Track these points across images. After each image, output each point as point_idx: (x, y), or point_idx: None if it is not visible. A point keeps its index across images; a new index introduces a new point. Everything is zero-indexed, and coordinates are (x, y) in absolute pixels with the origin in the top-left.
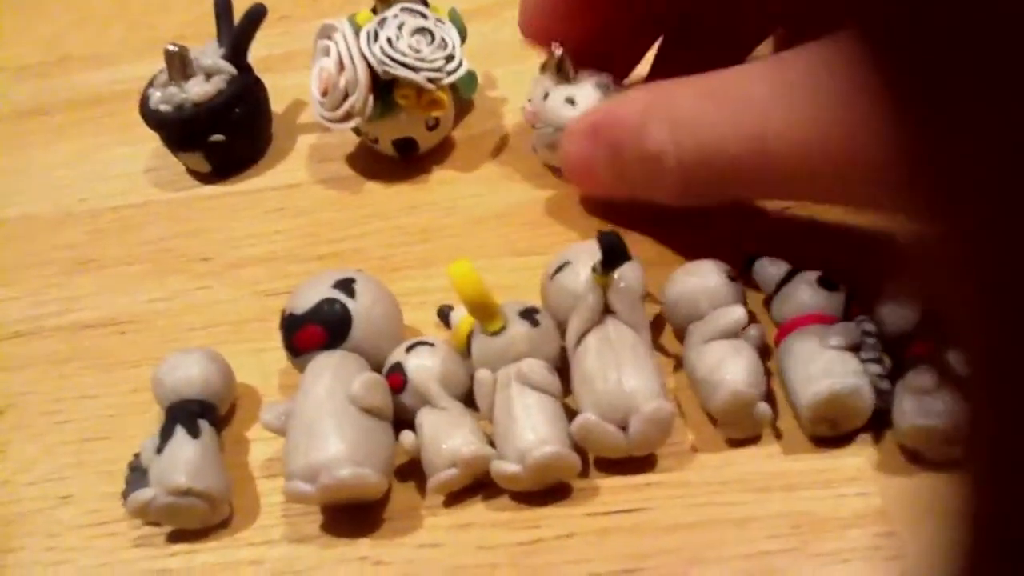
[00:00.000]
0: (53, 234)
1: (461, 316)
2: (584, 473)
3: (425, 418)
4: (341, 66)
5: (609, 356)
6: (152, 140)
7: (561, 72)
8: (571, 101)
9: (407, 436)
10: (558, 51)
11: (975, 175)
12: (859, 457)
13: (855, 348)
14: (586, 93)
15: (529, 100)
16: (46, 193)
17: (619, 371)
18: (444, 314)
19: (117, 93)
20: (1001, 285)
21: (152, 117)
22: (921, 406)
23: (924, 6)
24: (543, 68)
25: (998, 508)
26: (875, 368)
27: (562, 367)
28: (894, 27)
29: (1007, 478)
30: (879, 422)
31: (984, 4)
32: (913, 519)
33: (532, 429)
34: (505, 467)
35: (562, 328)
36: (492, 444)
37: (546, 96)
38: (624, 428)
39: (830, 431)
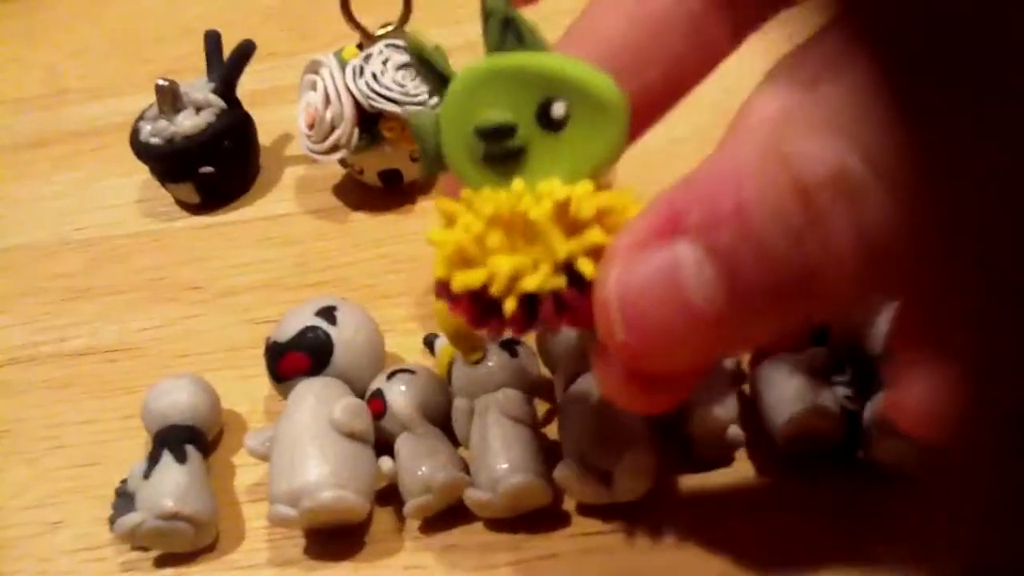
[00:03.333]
0: (48, 263)
1: (443, 344)
2: (562, 494)
3: (403, 444)
4: (328, 100)
5: (593, 402)
6: (144, 171)
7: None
8: None
9: (385, 461)
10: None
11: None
12: (830, 477)
13: (827, 371)
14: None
15: None
16: (42, 223)
17: (602, 418)
18: (430, 342)
19: (113, 125)
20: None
21: (143, 149)
22: (892, 426)
23: None
24: None
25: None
26: (844, 391)
27: (542, 393)
28: None
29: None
30: (850, 442)
31: None
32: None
33: (505, 458)
34: (477, 495)
35: (552, 368)
36: (469, 471)
37: None
38: (607, 476)
39: (802, 452)
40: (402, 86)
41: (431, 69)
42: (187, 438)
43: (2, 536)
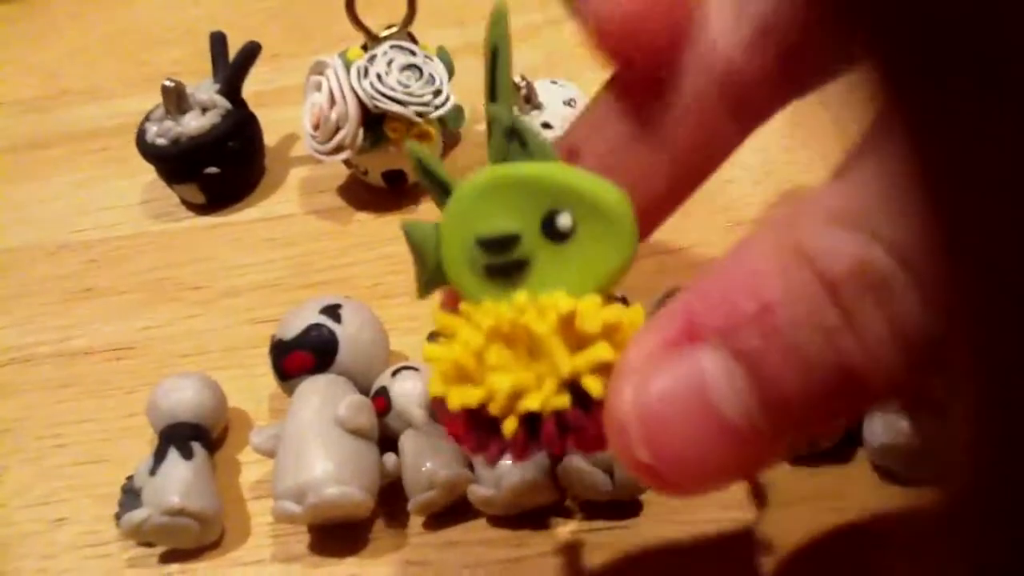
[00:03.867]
0: (50, 264)
1: None
2: (565, 491)
3: (407, 441)
4: (332, 101)
5: None
6: (147, 172)
7: (530, 102)
8: (547, 125)
9: (389, 458)
10: (523, 83)
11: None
12: (833, 475)
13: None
14: (559, 114)
15: None
16: (43, 224)
17: None
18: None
19: (113, 127)
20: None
21: (148, 150)
22: (890, 425)
23: None
24: None
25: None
26: None
27: None
28: None
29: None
30: (851, 441)
31: None
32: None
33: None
34: (481, 491)
35: None
36: (473, 468)
37: None
38: (609, 472)
39: (804, 449)
40: (406, 87)
41: (433, 179)
42: (193, 435)
43: (5, 534)
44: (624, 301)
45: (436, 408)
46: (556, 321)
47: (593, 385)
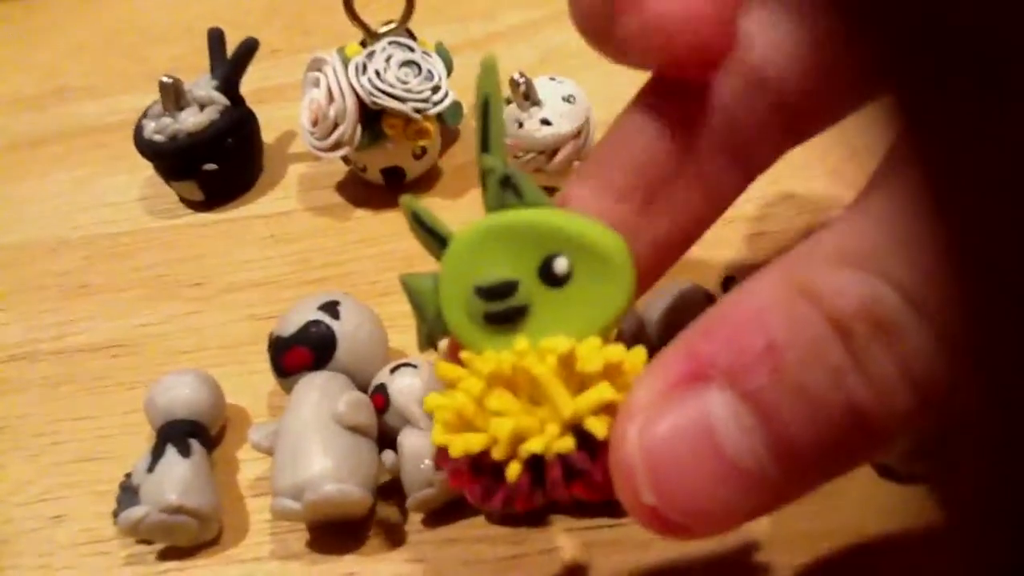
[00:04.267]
0: (48, 261)
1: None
2: None
3: (406, 438)
4: (331, 97)
5: None
6: (146, 169)
7: (529, 99)
8: (546, 122)
9: (388, 455)
10: (522, 79)
11: None
12: None
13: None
14: (557, 110)
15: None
16: (41, 221)
17: None
18: None
19: (112, 124)
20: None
21: (146, 147)
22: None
23: None
24: (508, 100)
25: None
26: None
27: None
28: None
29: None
30: None
31: None
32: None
33: None
34: None
35: None
36: None
37: (520, 125)
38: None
39: None
40: (405, 83)
41: (429, 231)
42: (191, 432)
43: (3, 531)
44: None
45: (439, 459)
46: (556, 363)
47: (597, 426)
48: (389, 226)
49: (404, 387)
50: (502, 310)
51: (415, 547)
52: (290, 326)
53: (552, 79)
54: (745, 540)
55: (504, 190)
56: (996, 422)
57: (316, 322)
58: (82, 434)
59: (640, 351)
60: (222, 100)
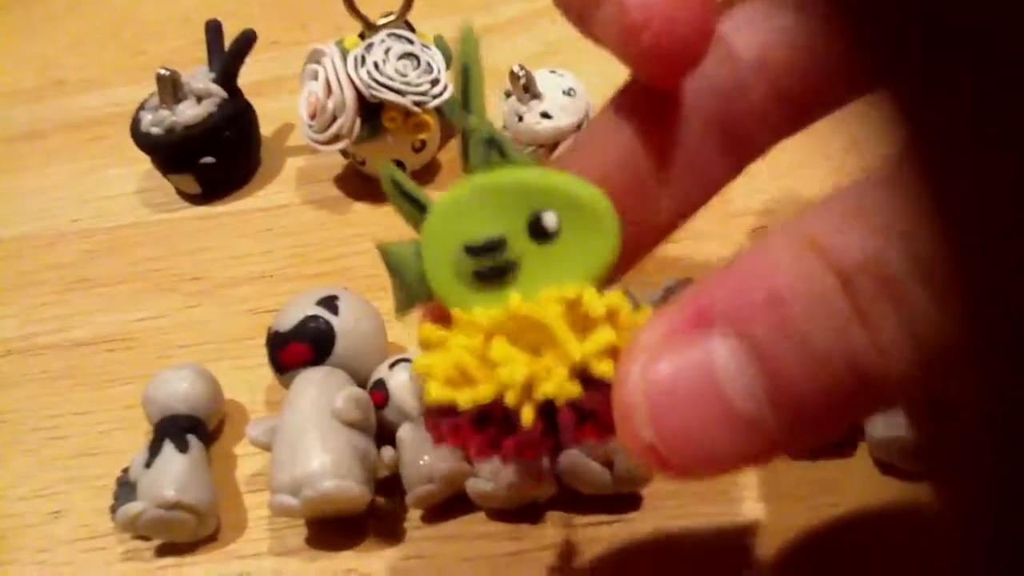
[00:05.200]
0: (46, 254)
1: None
2: (565, 485)
3: (405, 434)
4: (329, 90)
5: None
6: (144, 162)
7: (529, 92)
8: (546, 115)
9: (387, 451)
10: (522, 72)
11: None
12: (833, 468)
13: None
14: (557, 103)
15: (504, 128)
16: (40, 214)
17: None
18: None
19: (110, 116)
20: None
21: (143, 139)
22: (891, 420)
23: None
24: (508, 93)
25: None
26: None
27: None
28: None
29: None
30: (852, 435)
31: None
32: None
33: None
34: (479, 484)
35: None
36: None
37: (520, 119)
38: (610, 466)
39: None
40: (404, 76)
41: (407, 196)
42: (188, 427)
43: (2, 526)
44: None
45: (431, 420)
46: (563, 308)
47: (605, 367)
48: (388, 220)
49: (403, 382)
50: (492, 266)
51: (414, 543)
52: (288, 321)
53: (552, 72)
54: (745, 536)
55: (488, 150)
56: (996, 421)
57: (315, 317)
58: (80, 429)
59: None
60: (220, 92)
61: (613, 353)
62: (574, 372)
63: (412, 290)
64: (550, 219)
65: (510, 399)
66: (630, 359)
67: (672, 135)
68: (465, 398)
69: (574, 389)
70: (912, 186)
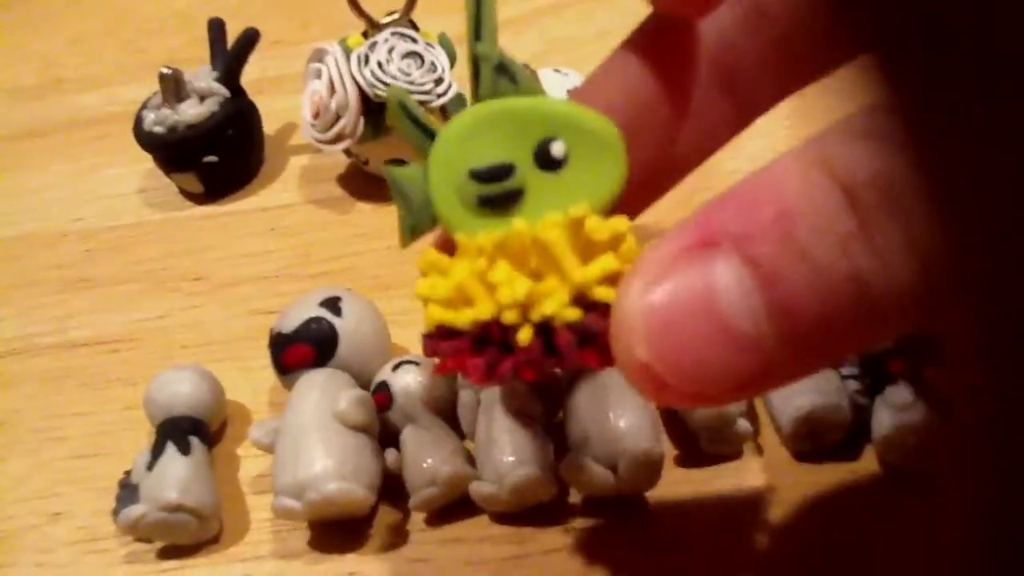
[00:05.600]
0: (47, 254)
1: None
2: (567, 488)
3: (408, 436)
4: (332, 89)
5: (601, 394)
6: (146, 161)
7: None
8: None
9: (390, 453)
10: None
11: None
12: (838, 471)
13: (836, 364)
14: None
15: None
16: (40, 213)
17: (610, 411)
18: None
19: (111, 115)
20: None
21: (146, 138)
22: (898, 420)
23: None
24: None
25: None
26: (854, 385)
27: (548, 387)
28: None
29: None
30: (858, 436)
31: None
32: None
33: (511, 451)
34: (483, 487)
35: None
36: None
37: None
38: (613, 469)
39: (810, 446)
40: (407, 74)
41: (416, 123)
42: (191, 429)
43: (2, 528)
44: None
45: (430, 344)
46: (566, 229)
47: (605, 293)
48: (391, 219)
49: (407, 384)
50: (498, 193)
51: (417, 546)
52: (291, 322)
53: (557, 71)
54: (753, 540)
55: (498, 77)
56: (996, 421)
57: (318, 319)
58: (82, 430)
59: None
60: (222, 91)
61: (615, 279)
62: (575, 296)
63: (418, 215)
64: (558, 147)
65: (507, 318)
66: (632, 276)
67: (681, 73)
68: (464, 318)
69: (573, 312)
70: (915, 119)
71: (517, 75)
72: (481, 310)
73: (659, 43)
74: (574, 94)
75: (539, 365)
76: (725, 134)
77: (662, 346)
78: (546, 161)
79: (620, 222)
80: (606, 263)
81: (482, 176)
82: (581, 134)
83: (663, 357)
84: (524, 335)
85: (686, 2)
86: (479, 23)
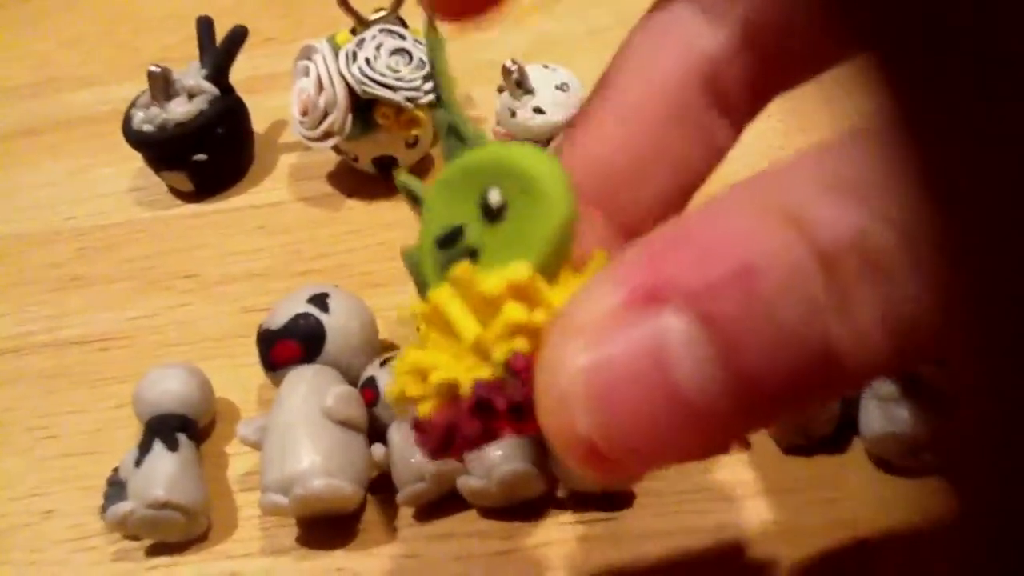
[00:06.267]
0: (39, 252)
1: None
2: (556, 484)
3: (396, 432)
4: (320, 86)
5: None
6: (137, 159)
7: (522, 87)
8: (539, 110)
9: (378, 449)
10: (514, 67)
11: None
12: (827, 464)
13: None
14: (550, 99)
15: (498, 123)
16: (33, 212)
17: None
18: None
19: (103, 113)
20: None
21: (135, 137)
22: (886, 414)
23: None
24: (500, 89)
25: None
26: None
27: None
28: None
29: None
30: (847, 430)
31: None
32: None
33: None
34: (471, 482)
35: None
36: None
37: (513, 114)
38: None
39: (799, 439)
40: (396, 71)
41: (414, 199)
42: (179, 427)
43: None
44: None
45: (417, 428)
46: (457, 296)
47: (502, 352)
48: (381, 216)
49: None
50: (455, 257)
51: (406, 542)
52: (279, 319)
53: (545, 67)
54: (738, 531)
55: (450, 138)
56: (996, 421)
57: (305, 315)
58: (73, 428)
59: (601, 255)
60: (211, 89)
61: (529, 333)
62: (485, 357)
63: (422, 291)
64: (494, 196)
65: (434, 396)
66: (565, 336)
67: (676, 100)
68: (422, 408)
69: (482, 372)
70: (900, 156)
71: (464, 132)
72: (417, 394)
73: (660, 61)
74: (565, 144)
75: (473, 439)
76: (727, 147)
77: (606, 420)
78: (489, 213)
79: (518, 268)
80: (506, 315)
81: (440, 244)
82: (511, 176)
83: (607, 432)
84: (421, 410)
85: (466, 7)
86: (436, 87)
